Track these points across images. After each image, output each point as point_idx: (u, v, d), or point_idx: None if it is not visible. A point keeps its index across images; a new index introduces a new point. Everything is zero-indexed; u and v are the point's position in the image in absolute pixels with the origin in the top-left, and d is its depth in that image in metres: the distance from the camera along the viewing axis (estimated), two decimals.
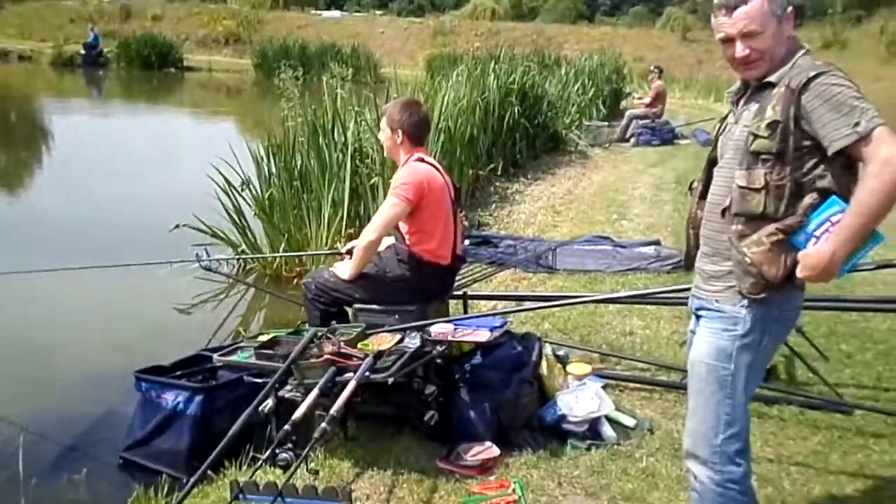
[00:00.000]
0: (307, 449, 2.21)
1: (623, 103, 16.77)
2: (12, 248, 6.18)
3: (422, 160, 3.25)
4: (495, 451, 2.89)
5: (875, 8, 25.69)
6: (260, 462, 2.20)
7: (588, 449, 2.99)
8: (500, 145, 8.51)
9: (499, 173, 8.35)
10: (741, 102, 2.02)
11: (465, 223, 6.63)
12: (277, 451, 2.26)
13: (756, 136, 1.87)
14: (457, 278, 4.61)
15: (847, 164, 1.85)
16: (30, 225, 7.28)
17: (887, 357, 3.92)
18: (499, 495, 2.68)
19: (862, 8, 28.79)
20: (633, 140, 12.38)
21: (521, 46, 26.11)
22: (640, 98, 14.31)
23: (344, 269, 3.25)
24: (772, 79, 1.91)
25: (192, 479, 2.28)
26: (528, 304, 3.85)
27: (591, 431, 3.08)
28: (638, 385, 3.55)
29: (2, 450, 3.23)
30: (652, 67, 14.48)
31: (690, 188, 2.24)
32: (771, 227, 1.86)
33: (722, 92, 22.40)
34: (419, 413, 2.98)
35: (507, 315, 4.26)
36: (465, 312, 3.70)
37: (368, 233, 3.15)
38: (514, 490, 2.71)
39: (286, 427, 2.30)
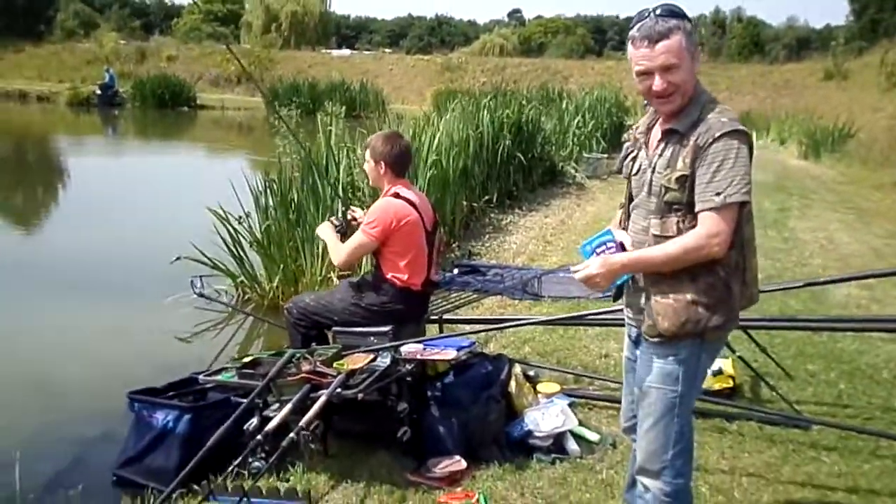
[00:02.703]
0: (275, 456, 2.40)
1: (624, 135, 17.00)
2: (25, 281, 6.46)
3: (397, 195, 3.47)
4: (463, 464, 3.06)
5: (877, 39, 25.96)
6: (230, 468, 2.38)
7: (553, 462, 3.16)
8: (495, 178, 8.76)
9: (493, 205, 8.58)
10: (653, 145, 2.14)
11: (456, 252, 6.85)
12: (250, 459, 2.45)
13: (668, 189, 2.04)
14: (444, 304, 4.85)
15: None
16: (42, 258, 7.61)
17: (851, 376, 4.08)
18: None
19: (864, 39, 29.09)
20: None
21: (527, 81, 26.66)
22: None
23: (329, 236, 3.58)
24: (679, 128, 2.05)
25: (168, 488, 2.46)
26: (479, 326, 4.22)
27: (557, 446, 3.26)
28: (606, 403, 3.72)
29: (1, 467, 3.42)
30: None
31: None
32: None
33: None
34: (393, 429, 3.16)
35: (484, 336, 4.50)
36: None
37: (336, 258, 3.50)
38: (478, 500, 2.88)
39: (258, 437, 2.49)
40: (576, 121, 13.77)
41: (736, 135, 1.98)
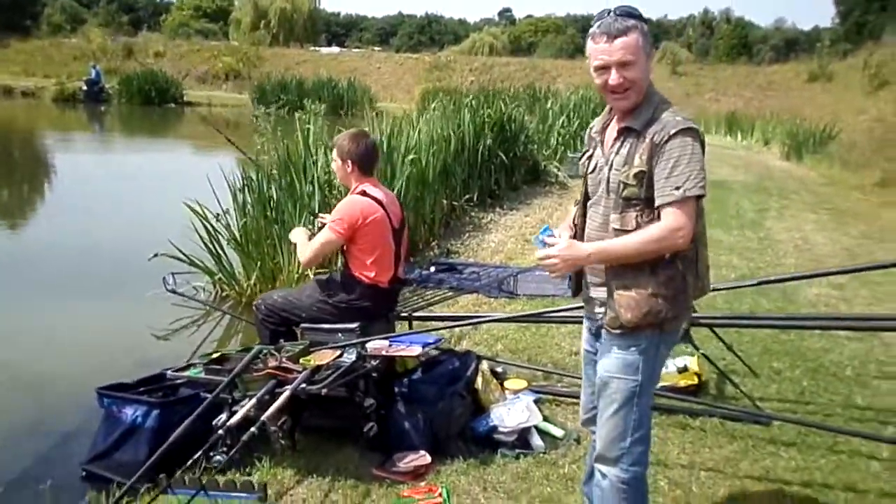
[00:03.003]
0: (235, 449, 2.44)
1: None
2: (3, 275, 6.48)
3: (364, 193, 3.52)
4: (427, 458, 3.11)
5: (862, 42, 26.20)
6: (190, 461, 2.42)
7: (517, 457, 3.21)
8: (476, 176, 8.81)
9: (475, 203, 8.62)
10: (609, 143, 2.22)
11: (435, 250, 6.90)
12: (212, 453, 2.48)
13: (626, 185, 2.12)
14: (419, 301, 4.90)
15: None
16: (23, 253, 7.62)
17: (814, 373, 4.15)
18: (425, 498, 2.90)
19: (849, 41, 29.36)
20: None
21: (515, 81, 26.73)
22: None
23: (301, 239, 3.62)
24: (636, 126, 2.13)
25: (129, 482, 2.49)
26: (447, 323, 4.27)
27: (521, 441, 3.31)
28: (573, 399, 3.77)
29: None
30: None
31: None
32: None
33: (710, 124, 22.89)
34: (360, 425, 3.21)
35: (457, 333, 4.55)
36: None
37: (302, 256, 3.53)
38: (441, 494, 2.92)
39: (220, 431, 2.53)
40: (560, 120, 13.84)
41: (690, 132, 2.07)
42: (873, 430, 3.45)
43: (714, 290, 2.36)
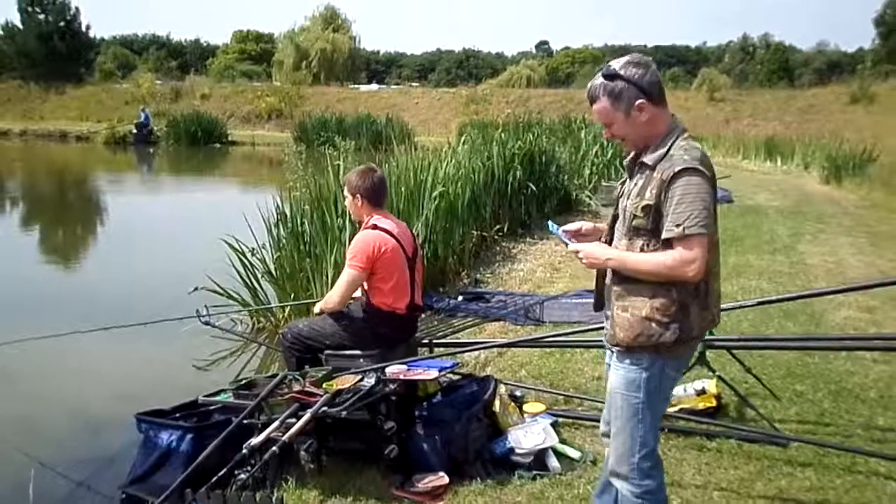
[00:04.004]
0: (256, 467, 2.59)
1: None
2: (57, 309, 6.82)
3: (375, 227, 3.70)
4: (445, 479, 3.22)
5: None
6: (215, 479, 2.58)
7: (533, 479, 3.29)
8: (507, 207, 8.96)
9: (505, 234, 8.76)
10: (633, 174, 2.35)
11: (464, 280, 7.03)
12: (236, 472, 2.64)
13: (635, 216, 2.26)
14: (445, 329, 5.03)
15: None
16: (74, 289, 8.03)
17: (837, 395, 4.14)
18: None
19: (891, 62, 28.93)
20: None
21: (551, 111, 26.94)
22: None
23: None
24: (648, 161, 2.25)
25: (158, 500, 2.66)
26: (462, 349, 4.42)
27: (538, 463, 3.39)
28: (591, 422, 3.84)
29: (16, 484, 3.65)
30: None
31: None
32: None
33: (749, 150, 22.73)
34: (381, 447, 3.34)
35: (483, 359, 4.67)
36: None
37: (333, 300, 3.67)
38: None
39: (243, 451, 2.69)
40: (594, 150, 13.95)
41: (694, 172, 2.17)
42: (893, 452, 3.44)
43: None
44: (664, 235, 2.18)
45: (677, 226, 2.14)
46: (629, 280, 2.27)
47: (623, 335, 2.27)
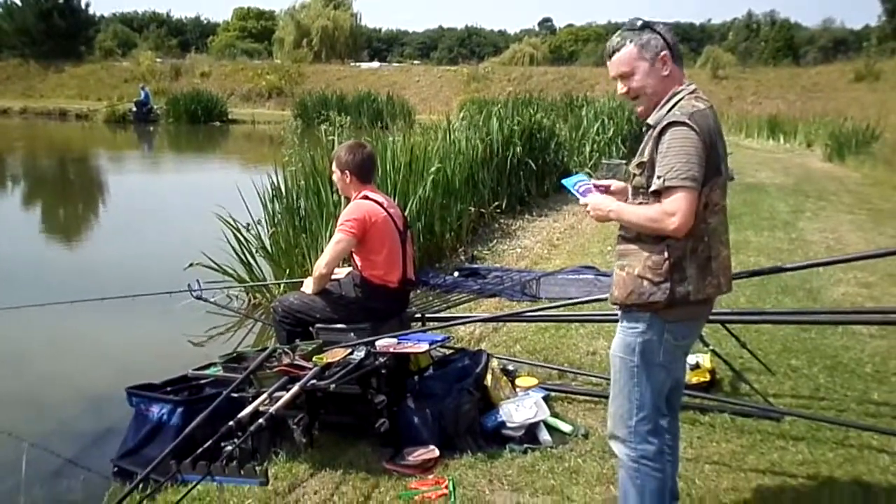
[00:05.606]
0: (242, 439, 2.58)
1: None
2: (56, 286, 6.81)
3: (367, 197, 3.67)
4: (435, 452, 3.21)
5: None
6: (200, 450, 2.56)
7: (524, 452, 3.28)
8: (506, 184, 8.90)
9: (503, 210, 8.71)
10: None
11: (462, 257, 6.99)
12: (222, 443, 2.63)
13: (633, 175, 2.25)
14: (441, 305, 5.00)
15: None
16: (72, 265, 8.05)
17: (832, 370, 4.12)
18: (432, 489, 3.00)
19: None
20: None
21: (552, 89, 26.76)
22: None
23: (308, 288, 3.69)
24: (651, 121, 2.25)
25: (143, 472, 2.66)
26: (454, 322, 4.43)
27: (530, 436, 3.38)
28: (584, 396, 3.83)
29: (9, 459, 3.65)
30: None
31: None
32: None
33: (752, 128, 22.58)
34: (372, 421, 3.32)
35: (478, 334, 4.65)
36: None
37: (320, 266, 3.61)
38: (446, 486, 3.02)
39: (230, 423, 2.67)
40: (594, 127, 13.84)
41: (679, 125, 2.14)
42: (887, 426, 3.42)
43: None
44: (650, 188, 2.17)
45: (659, 178, 2.13)
46: (629, 240, 2.28)
47: (618, 293, 2.29)
